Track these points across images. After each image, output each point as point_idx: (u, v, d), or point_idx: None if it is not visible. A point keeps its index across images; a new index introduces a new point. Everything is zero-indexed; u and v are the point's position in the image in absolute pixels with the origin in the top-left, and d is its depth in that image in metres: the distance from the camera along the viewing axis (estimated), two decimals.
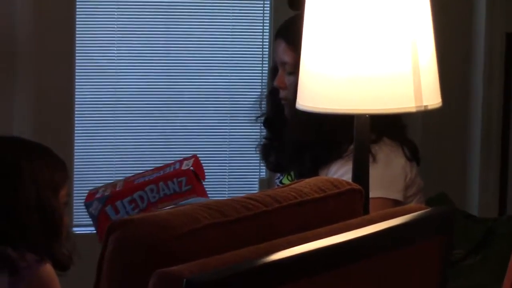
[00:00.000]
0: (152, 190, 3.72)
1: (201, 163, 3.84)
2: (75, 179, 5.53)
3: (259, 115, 4.05)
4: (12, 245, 3.19)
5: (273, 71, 4.05)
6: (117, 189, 3.77)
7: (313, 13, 3.00)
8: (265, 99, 4.07)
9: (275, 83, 3.90)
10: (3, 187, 3.28)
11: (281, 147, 3.87)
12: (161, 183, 3.74)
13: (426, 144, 4.68)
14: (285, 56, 3.78)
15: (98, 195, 3.74)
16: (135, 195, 3.72)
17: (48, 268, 3.18)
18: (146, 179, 3.80)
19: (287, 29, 3.82)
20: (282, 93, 3.82)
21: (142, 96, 5.83)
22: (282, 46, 3.84)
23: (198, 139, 5.78)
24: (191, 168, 3.78)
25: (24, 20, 5.32)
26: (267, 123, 3.96)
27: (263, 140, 4.05)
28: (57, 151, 5.26)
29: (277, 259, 2.09)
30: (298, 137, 3.72)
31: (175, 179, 3.76)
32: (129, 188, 3.77)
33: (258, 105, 4.10)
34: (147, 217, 2.20)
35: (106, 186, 3.84)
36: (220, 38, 5.93)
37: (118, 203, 3.69)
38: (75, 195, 5.47)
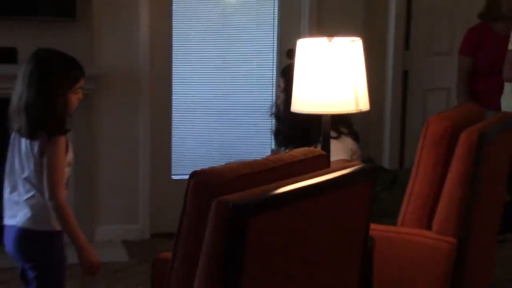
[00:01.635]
0: None
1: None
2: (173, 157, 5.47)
3: (272, 113, 4.02)
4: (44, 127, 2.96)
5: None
6: None
7: (300, 62, 2.99)
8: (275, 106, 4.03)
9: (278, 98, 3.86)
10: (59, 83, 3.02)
11: (285, 134, 3.84)
12: None
13: (361, 130, 4.61)
14: (281, 83, 3.74)
15: None
16: None
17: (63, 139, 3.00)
18: None
19: (283, 71, 3.78)
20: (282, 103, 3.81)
21: (212, 104, 5.56)
22: (281, 79, 3.79)
23: (242, 128, 5.53)
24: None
25: (143, 55, 5.21)
26: (276, 119, 3.94)
27: (274, 128, 4.01)
28: (159, 137, 5.19)
29: (281, 191, 2.12)
30: (294, 131, 3.71)
31: None
32: None
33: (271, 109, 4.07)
34: (212, 169, 2.19)
35: None
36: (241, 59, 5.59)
37: None
38: (173, 162, 5.46)
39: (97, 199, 5.20)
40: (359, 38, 3.03)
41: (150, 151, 5.31)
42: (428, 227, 3.37)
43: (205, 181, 2.13)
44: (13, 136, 3.10)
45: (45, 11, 4.95)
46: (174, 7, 5.31)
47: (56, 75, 3.02)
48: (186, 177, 2.17)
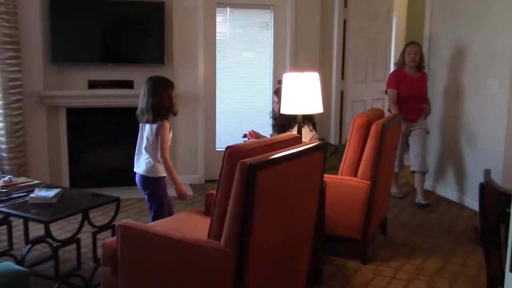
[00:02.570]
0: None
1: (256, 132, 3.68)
2: (216, 137, 5.40)
3: (270, 116, 3.88)
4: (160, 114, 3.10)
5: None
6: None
7: (286, 85, 2.93)
8: (272, 111, 3.88)
9: (274, 107, 3.68)
10: (167, 91, 3.13)
11: (277, 124, 3.73)
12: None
13: (319, 123, 4.52)
14: (275, 98, 3.61)
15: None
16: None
17: (166, 122, 3.11)
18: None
19: (276, 91, 3.61)
20: (276, 109, 3.66)
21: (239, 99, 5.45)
22: (274, 96, 3.64)
23: (253, 121, 5.21)
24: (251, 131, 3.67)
25: (200, 83, 5.09)
26: (273, 118, 3.81)
27: (272, 122, 3.87)
28: (209, 126, 5.07)
29: (275, 157, 2.08)
30: (282, 122, 3.60)
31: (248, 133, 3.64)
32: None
33: (270, 113, 3.95)
34: (237, 144, 2.15)
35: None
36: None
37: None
38: (217, 136, 5.33)
39: (176, 160, 5.10)
40: (317, 72, 2.98)
41: (203, 134, 5.22)
42: (355, 175, 3.33)
43: (233, 151, 2.10)
44: (141, 125, 3.20)
45: (148, 60, 4.90)
46: (217, 57, 5.21)
47: (163, 87, 3.13)
48: (224, 149, 2.13)
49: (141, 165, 3.17)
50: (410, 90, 4.56)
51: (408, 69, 4.61)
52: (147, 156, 3.14)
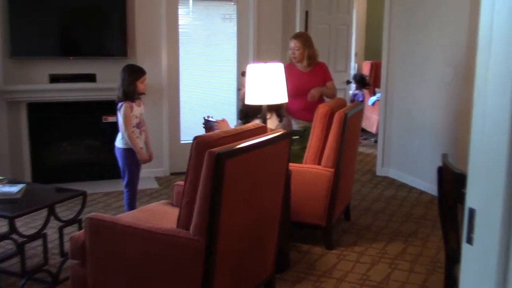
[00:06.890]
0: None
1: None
2: (181, 130, 5.35)
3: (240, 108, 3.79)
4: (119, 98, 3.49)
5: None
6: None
7: (250, 77, 2.94)
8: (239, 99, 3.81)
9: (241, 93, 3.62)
10: (127, 79, 3.46)
11: (243, 113, 3.67)
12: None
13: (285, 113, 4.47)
14: (242, 87, 3.58)
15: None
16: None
17: (126, 104, 3.47)
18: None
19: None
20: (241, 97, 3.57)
21: (203, 85, 5.46)
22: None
23: (219, 111, 5.23)
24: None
25: (164, 75, 5.07)
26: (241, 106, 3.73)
27: (240, 109, 3.77)
28: (173, 119, 4.99)
29: (242, 146, 2.10)
30: (247, 112, 3.57)
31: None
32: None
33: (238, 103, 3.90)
34: (205, 134, 2.16)
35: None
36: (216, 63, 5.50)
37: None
38: (181, 133, 5.30)
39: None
40: (280, 63, 3.02)
41: (168, 126, 5.19)
42: (319, 163, 3.39)
43: (202, 141, 2.11)
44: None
45: (110, 53, 4.87)
46: (181, 49, 5.17)
47: (124, 75, 3.49)
48: (189, 141, 2.15)
49: (118, 138, 3.61)
50: (295, 85, 3.81)
51: (299, 65, 3.99)
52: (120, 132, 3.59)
